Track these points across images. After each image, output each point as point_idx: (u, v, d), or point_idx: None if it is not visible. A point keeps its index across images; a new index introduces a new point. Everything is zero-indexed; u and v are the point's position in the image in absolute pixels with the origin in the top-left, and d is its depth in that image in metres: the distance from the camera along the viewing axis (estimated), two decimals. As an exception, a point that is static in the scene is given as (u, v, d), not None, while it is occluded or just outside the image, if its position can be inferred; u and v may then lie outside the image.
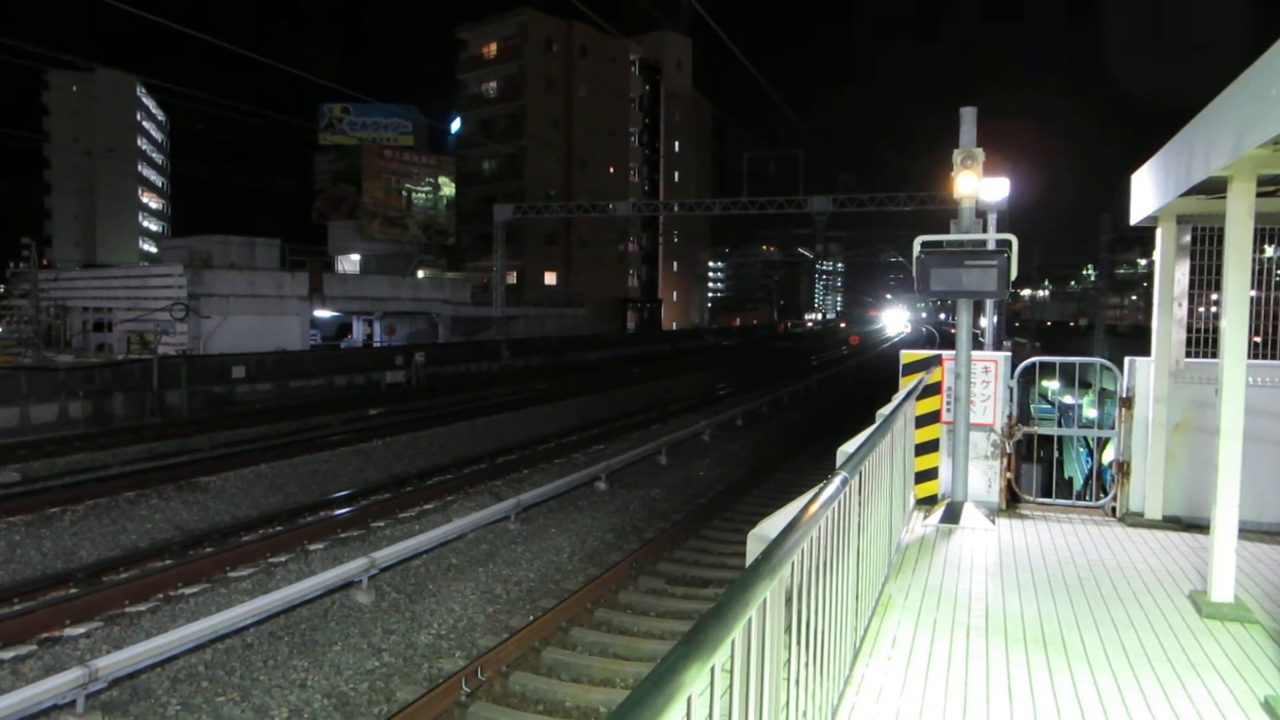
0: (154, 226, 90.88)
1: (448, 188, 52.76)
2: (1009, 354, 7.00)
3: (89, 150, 78.13)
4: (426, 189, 51.56)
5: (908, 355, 6.97)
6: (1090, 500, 7.02)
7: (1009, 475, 6.77)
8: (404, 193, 50.43)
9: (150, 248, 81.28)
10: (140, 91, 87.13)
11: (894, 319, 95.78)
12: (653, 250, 72.83)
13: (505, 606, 8.65)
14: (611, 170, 66.03)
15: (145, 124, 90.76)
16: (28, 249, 31.23)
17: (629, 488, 13.89)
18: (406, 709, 6.06)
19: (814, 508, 2.66)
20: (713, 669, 1.63)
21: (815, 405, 25.99)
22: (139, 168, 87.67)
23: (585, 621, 8.19)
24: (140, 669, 6.57)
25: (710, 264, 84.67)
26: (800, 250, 70.32)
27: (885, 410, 4.96)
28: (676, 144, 76.17)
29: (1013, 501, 6.80)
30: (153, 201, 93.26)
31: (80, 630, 7.63)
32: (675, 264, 77.91)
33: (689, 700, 1.45)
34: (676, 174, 76.09)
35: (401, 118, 53.65)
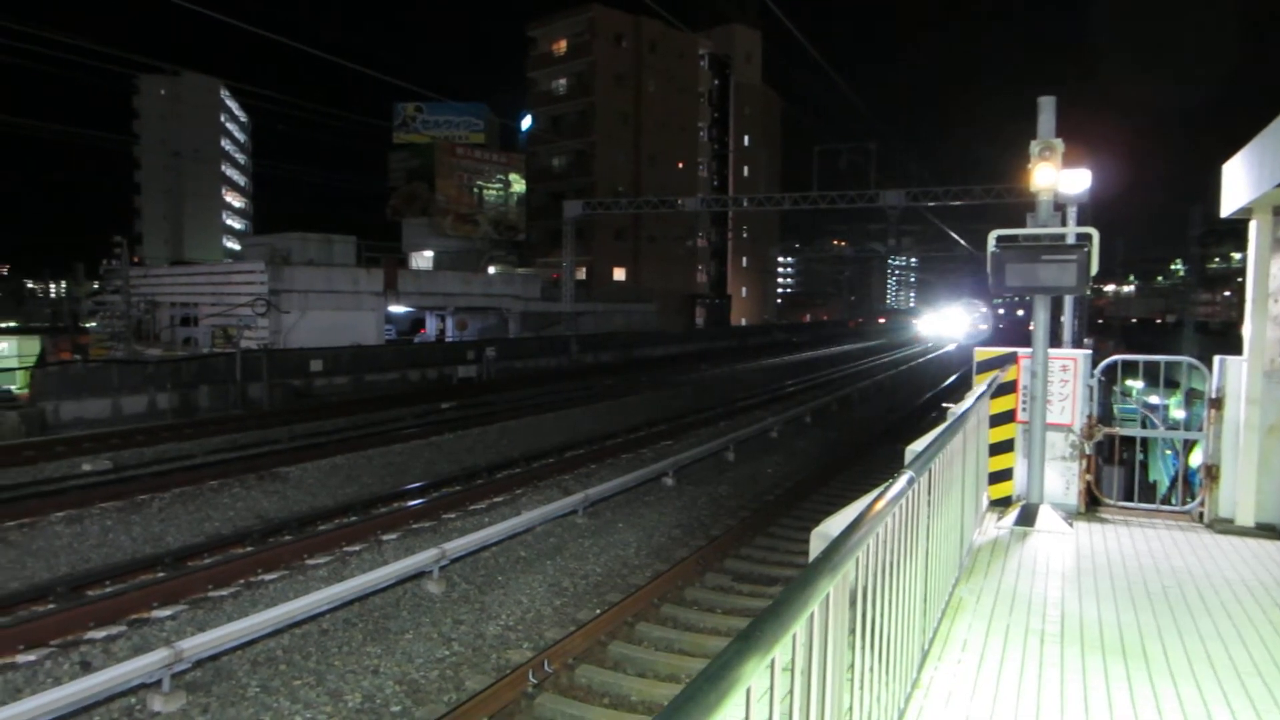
0: (237, 224, 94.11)
1: (518, 184, 53.40)
2: (1089, 352, 6.77)
3: (176, 151, 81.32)
4: (497, 186, 52.26)
5: (981, 353, 6.81)
6: (1176, 505, 6.75)
7: (1088, 477, 6.56)
8: (475, 190, 51.21)
9: (233, 245, 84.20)
10: (224, 94, 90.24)
11: (947, 320, 70.82)
12: (721, 246, 72.52)
13: (572, 599, 8.73)
14: (680, 165, 65.95)
15: (229, 125, 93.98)
16: (119, 247, 32.70)
17: (696, 484, 13.87)
18: (475, 698, 6.17)
19: (879, 505, 2.62)
20: (772, 665, 1.63)
21: (887, 403, 25.56)
22: (222, 168, 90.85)
23: (651, 617, 8.22)
24: (222, 651, 6.82)
25: (780, 259, 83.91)
26: (873, 245, 69.18)
27: (957, 408, 4.85)
28: (746, 138, 75.66)
29: (1092, 505, 6.58)
30: (235, 200, 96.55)
31: (167, 612, 7.96)
32: (744, 259, 77.44)
33: (747, 693, 1.45)
34: (746, 169, 75.58)
35: (473, 116, 54.51)
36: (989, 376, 6.21)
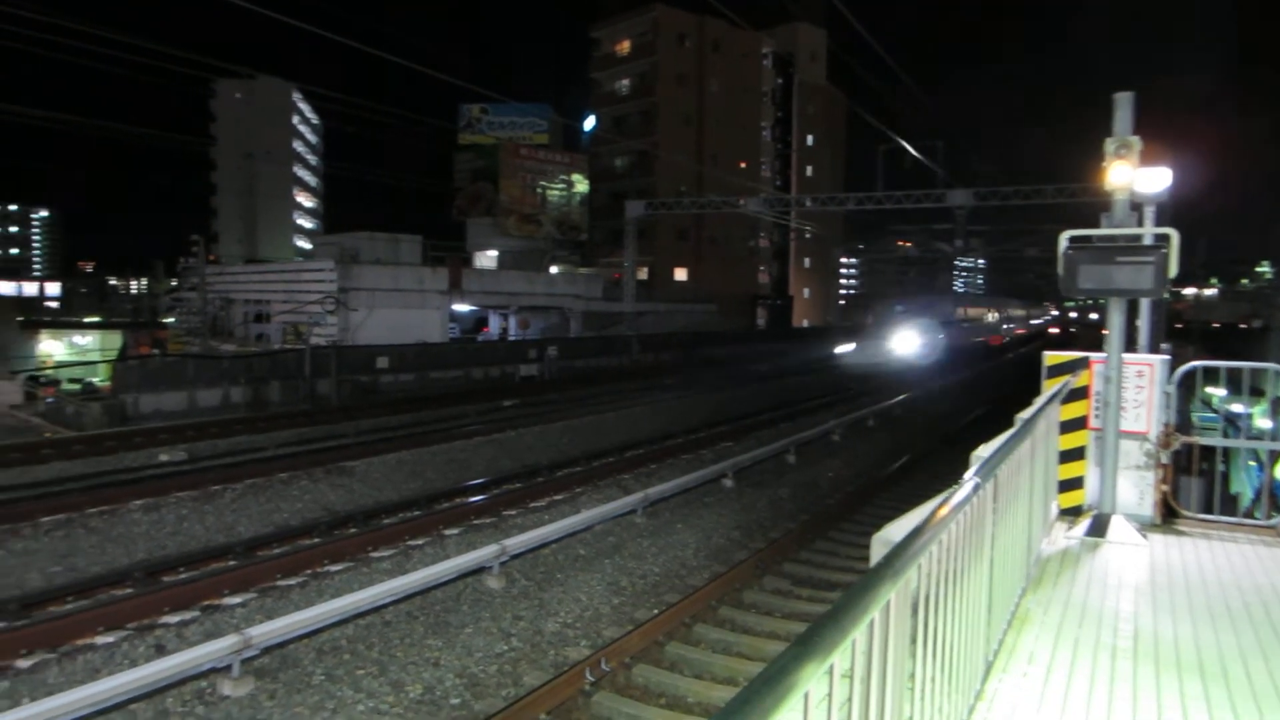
0: (308, 224, 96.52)
1: (581, 185, 53.75)
2: (1167, 357, 6.53)
3: (250, 153, 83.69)
4: (560, 186, 52.66)
5: (1052, 357, 6.62)
6: (1260, 519, 6.47)
7: (1165, 488, 6.32)
8: (539, 190, 51.69)
9: (304, 244, 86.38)
10: (296, 97, 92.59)
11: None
12: (784, 246, 71.91)
13: (630, 599, 8.74)
14: (743, 165, 65.57)
15: (301, 127, 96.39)
16: (196, 245, 33.83)
17: (756, 486, 13.78)
18: (533, 694, 6.22)
19: (943, 512, 2.57)
20: (831, 671, 1.60)
21: (953, 406, 25.04)
22: (294, 169, 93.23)
23: (709, 618, 8.19)
24: (289, 639, 7.00)
25: (843, 260, 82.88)
26: (939, 245, 67.76)
27: (1025, 414, 4.72)
28: (809, 138, 74.90)
29: (1169, 516, 6.35)
30: (307, 200, 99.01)
31: (237, 600, 8.21)
32: (807, 260, 76.68)
33: (805, 699, 1.43)
34: (809, 168, 74.83)
35: (537, 117, 55.00)
36: (1059, 381, 6.04)
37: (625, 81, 62.65)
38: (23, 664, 6.71)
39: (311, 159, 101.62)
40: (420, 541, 10.26)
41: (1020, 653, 3.82)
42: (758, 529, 11.48)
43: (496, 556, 8.86)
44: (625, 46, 62.35)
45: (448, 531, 10.69)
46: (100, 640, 7.18)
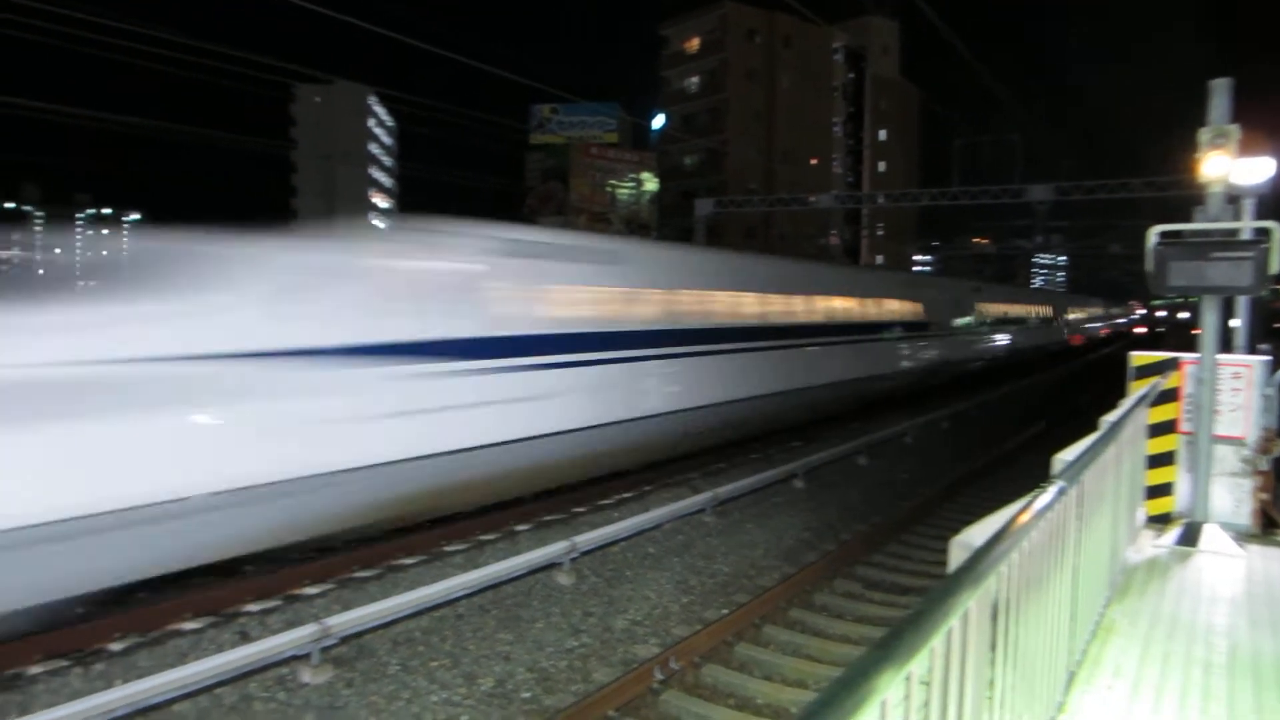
0: (383, 225, 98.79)
1: (650, 183, 53.87)
2: (1267, 358, 6.23)
3: (328, 155, 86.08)
4: (630, 185, 52.88)
5: (1139, 358, 6.38)
6: None
7: (1264, 496, 6.03)
8: (609, 189, 51.99)
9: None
10: (372, 100, 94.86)
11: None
12: (855, 244, 70.91)
13: (699, 598, 8.72)
14: (814, 162, 64.87)
15: (376, 130, 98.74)
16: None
17: (827, 487, 13.61)
18: (602, 690, 6.26)
19: (1025, 517, 2.50)
20: (909, 678, 1.57)
21: (1029, 406, 24.34)
22: (370, 170, 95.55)
23: (779, 620, 8.12)
24: (366, 630, 7.17)
25: (916, 257, 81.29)
26: (1018, 242, 65.80)
27: (1110, 417, 4.56)
28: (882, 133, 73.72)
29: (1268, 526, 6.05)
30: (382, 201, 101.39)
31: (316, 590, 8.44)
32: (879, 258, 75.49)
33: (883, 705, 1.41)
34: (881, 164, 73.65)
35: (606, 116, 55.31)
36: (1147, 384, 5.82)
37: (694, 79, 62.52)
38: (115, 647, 7.01)
39: (386, 160, 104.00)
40: (492, 536, 10.40)
41: (1105, 665, 3.69)
42: (829, 530, 11.33)
43: (567, 553, 8.93)
44: (694, 44, 62.22)
45: (518, 528, 10.82)
46: (187, 626, 7.46)
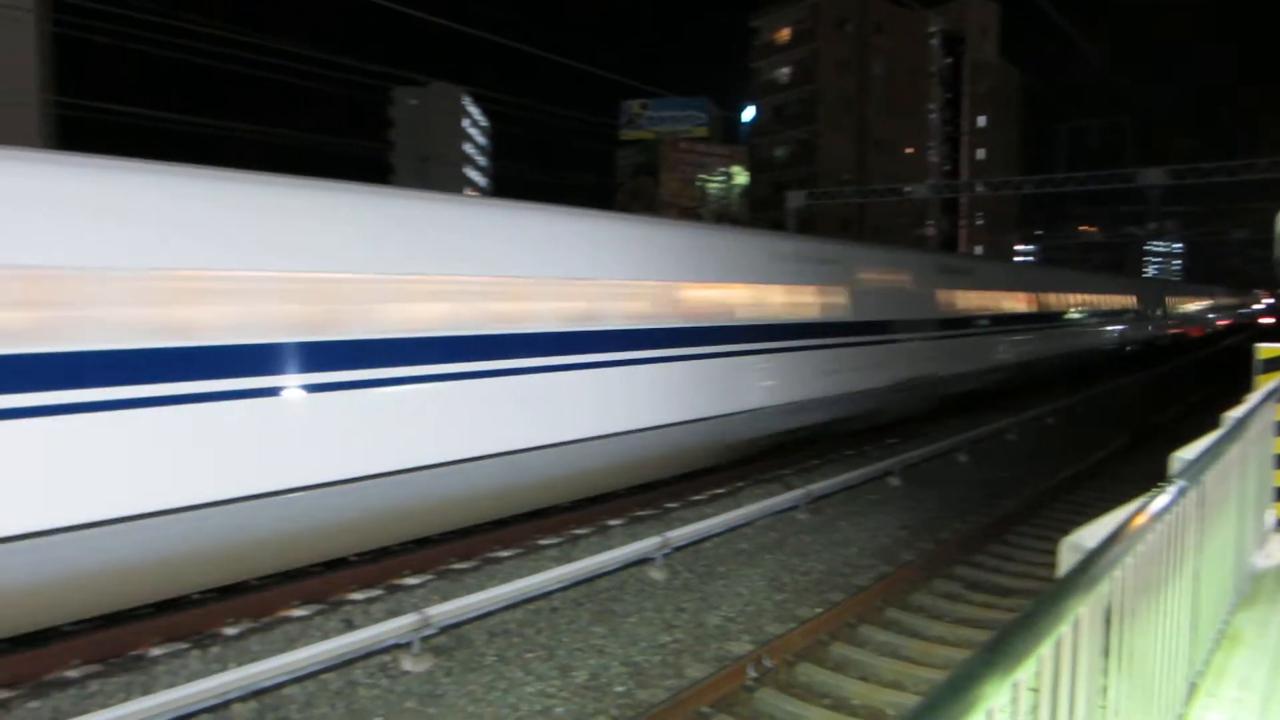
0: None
1: (740, 176, 53.54)
2: None
3: (425, 156, 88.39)
4: (720, 178, 52.68)
5: (1266, 350, 6.00)
6: None
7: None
8: (699, 183, 51.88)
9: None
10: (466, 101, 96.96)
11: None
12: (953, 234, 68.86)
13: (792, 596, 8.63)
14: (908, 151, 63.25)
15: (470, 130, 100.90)
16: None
17: (924, 484, 13.28)
18: (696, 686, 6.25)
19: (1141, 519, 2.38)
20: (1016, 685, 1.52)
21: (1139, 403, 23.22)
22: (464, 170, 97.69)
23: (875, 619, 7.96)
24: (464, 620, 7.34)
25: (1018, 247, 78.52)
26: (1129, 229, 62.66)
27: (1235, 413, 4.30)
28: (981, 119, 71.36)
29: None
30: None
31: (416, 581, 8.68)
32: (978, 248, 73.16)
33: (989, 713, 1.36)
34: (980, 151, 71.31)
35: (696, 110, 55.27)
36: (1276, 377, 5.47)
37: (785, 70, 61.75)
38: (230, 631, 7.36)
39: (480, 160, 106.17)
40: (585, 530, 10.52)
41: (1231, 675, 3.48)
42: (926, 529, 11.05)
43: (659, 548, 8.95)
44: (785, 34, 61.44)
45: (611, 522, 10.90)
46: (296, 613, 7.78)
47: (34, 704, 6.01)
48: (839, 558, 9.82)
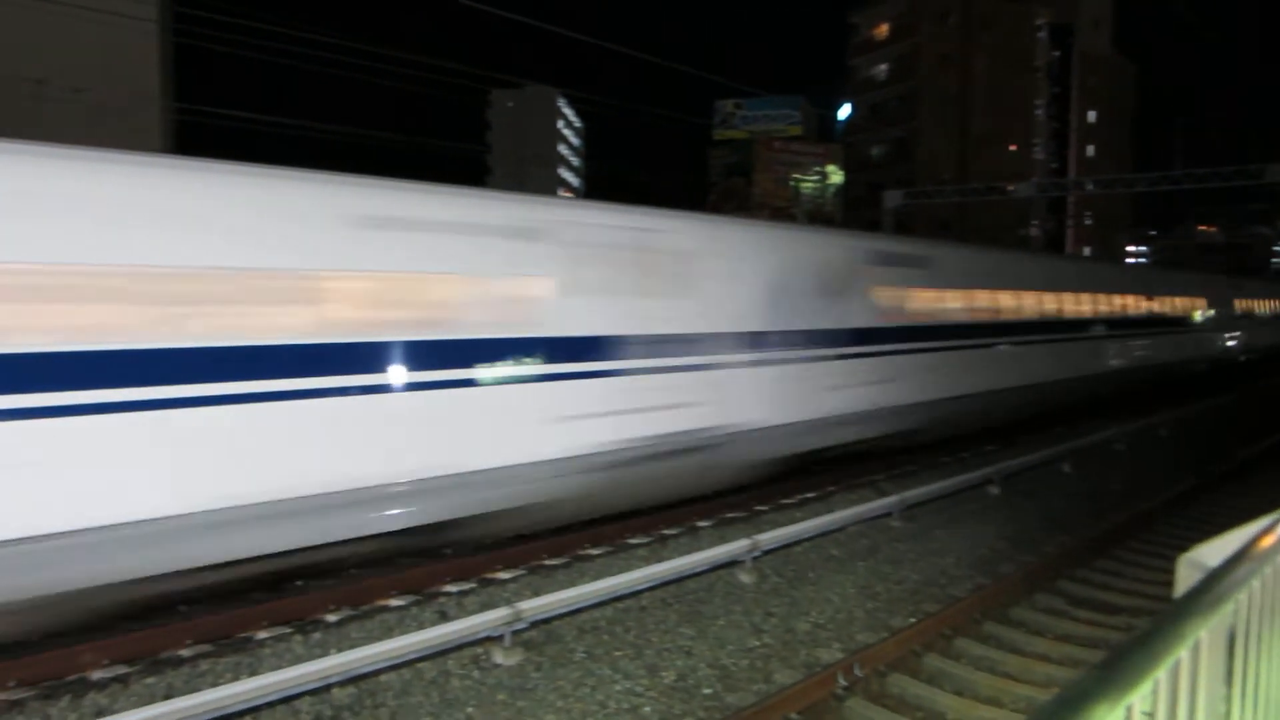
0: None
1: (835, 176, 52.76)
2: None
3: (521, 157, 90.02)
4: (814, 178, 52.03)
5: None
6: None
7: None
8: (792, 183, 51.33)
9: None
10: (561, 102, 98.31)
11: None
12: (1059, 234, 66.37)
13: (885, 604, 8.44)
14: (1012, 148, 61.18)
15: (565, 131, 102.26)
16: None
17: (1026, 495, 12.81)
18: (783, 692, 6.18)
19: (1270, 539, 2.23)
20: (1129, 709, 1.45)
21: (1263, 415, 21.86)
22: (559, 170, 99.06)
23: (971, 632, 7.71)
24: (554, 616, 7.42)
25: (1129, 248, 75.00)
26: (1256, 229, 59.02)
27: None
28: (1091, 114, 68.53)
29: None
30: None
31: (508, 575, 8.84)
32: (1086, 249, 70.22)
33: None
34: (1090, 147, 68.50)
35: (791, 109, 54.76)
36: None
37: (883, 66, 60.60)
38: (331, 618, 7.64)
39: (574, 160, 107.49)
40: (674, 531, 10.53)
41: None
42: (1027, 541, 10.65)
43: (749, 551, 8.89)
44: (884, 30, 60.31)
45: (700, 523, 10.88)
46: (393, 602, 8.02)
47: (150, 680, 6.36)
48: (934, 567, 9.56)
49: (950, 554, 10.01)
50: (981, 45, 58.90)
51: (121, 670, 6.52)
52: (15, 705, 5.93)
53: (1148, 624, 1.61)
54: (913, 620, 7.82)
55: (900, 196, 43.08)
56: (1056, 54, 65.08)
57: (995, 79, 59.49)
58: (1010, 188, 41.89)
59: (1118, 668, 1.42)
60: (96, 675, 6.40)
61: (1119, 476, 14.31)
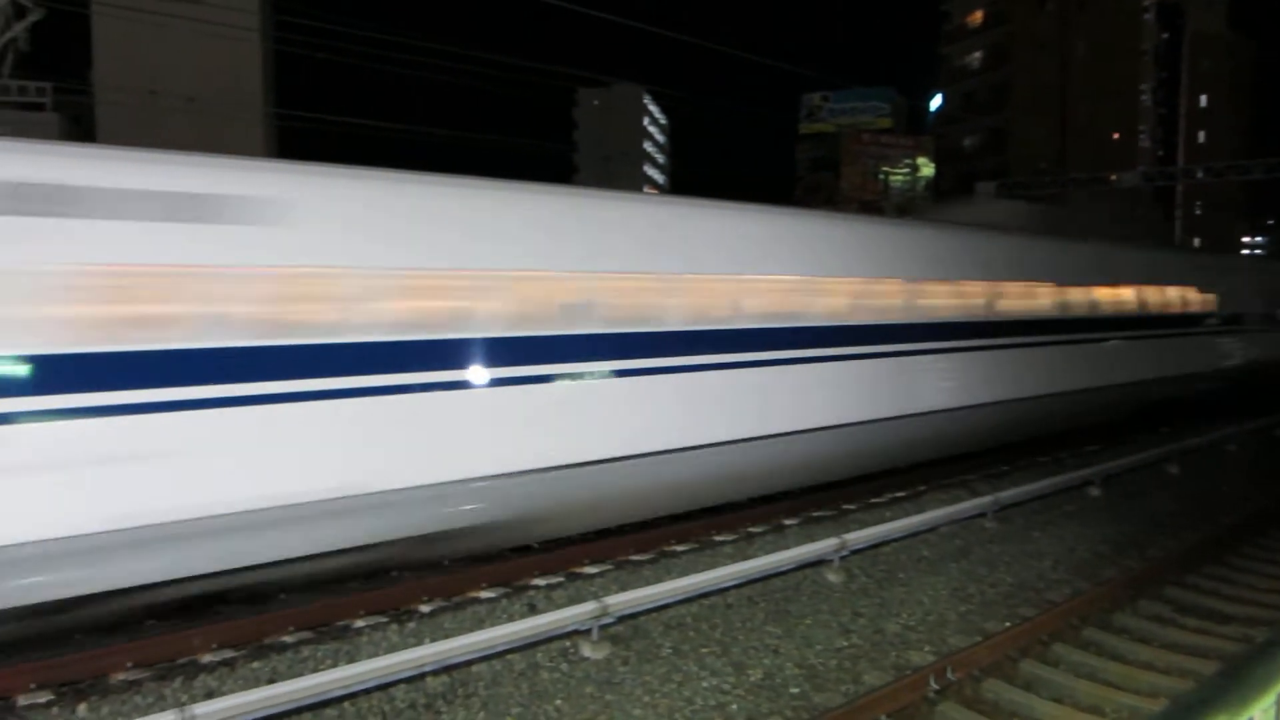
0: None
1: (926, 168, 51.58)
2: None
3: (607, 156, 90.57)
4: (904, 171, 50.94)
5: None
6: None
7: None
8: (881, 176, 50.35)
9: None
10: (646, 99, 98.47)
11: None
12: (1167, 225, 63.25)
13: (978, 608, 8.23)
14: (1115, 136, 58.60)
15: (650, 128, 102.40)
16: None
17: (1129, 496, 12.30)
18: (873, 694, 6.09)
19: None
20: (1250, 721, 1.38)
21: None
22: (644, 168, 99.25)
23: (1070, 638, 7.45)
24: (640, 611, 7.47)
25: (1246, 239, 71.09)
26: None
27: None
28: (1203, 98, 65.17)
29: None
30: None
31: (595, 570, 8.94)
32: (1196, 240, 66.80)
33: None
34: (1201, 133, 65.09)
35: (879, 100, 53.72)
36: None
37: (977, 55, 58.83)
38: (424, 609, 7.86)
39: (659, 157, 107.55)
40: (760, 529, 10.47)
41: None
42: (1131, 545, 10.23)
43: (837, 550, 8.78)
44: (977, 17, 58.53)
45: (787, 522, 10.80)
46: (484, 595, 8.20)
47: (256, 664, 6.65)
48: (1031, 570, 9.27)
49: (1047, 557, 9.69)
50: (1081, 30, 56.56)
51: (229, 654, 6.84)
52: (133, 685, 6.28)
53: (1268, 634, 1.54)
54: (1008, 624, 7.61)
55: (993, 188, 41.78)
56: (1165, 36, 62.08)
57: (1096, 64, 57.05)
58: (1113, 177, 40.14)
59: (1238, 677, 1.37)
60: (206, 659, 6.74)
61: (1231, 479, 13.61)
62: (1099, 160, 52.86)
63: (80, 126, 33.57)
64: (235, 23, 32.01)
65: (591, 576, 8.74)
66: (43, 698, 6.05)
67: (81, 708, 5.91)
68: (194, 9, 30.75)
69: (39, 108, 30.18)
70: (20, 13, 11.65)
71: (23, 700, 6.01)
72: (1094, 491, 12.26)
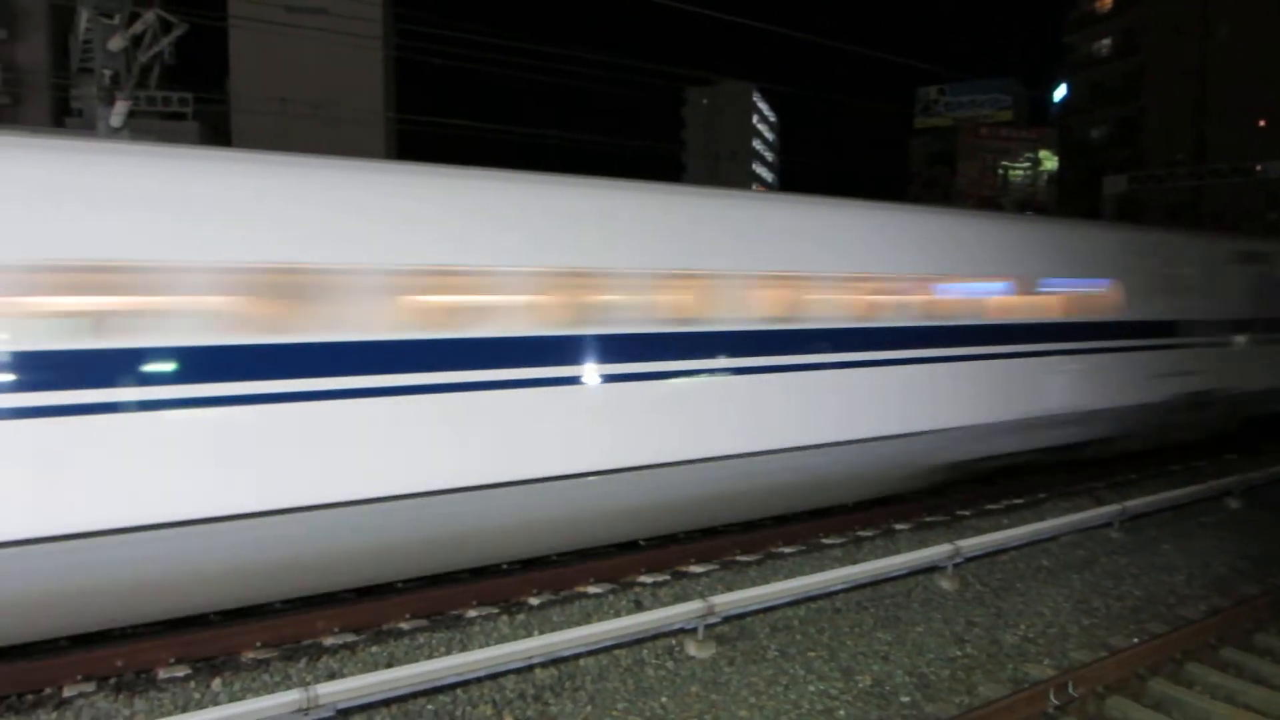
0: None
1: (1049, 161, 49.38)
2: None
3: (716, 155, 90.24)
4: (1024, 165, 48.90)
5: None
6: None
7: None
8: (1000, 170, 48.49)
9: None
10: (755, 97, 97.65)
11: None
12: (1319, 218, 58.62)
13: (1103, 621, 7.84)
14: (1262, 124, 54.63)
15: (759, 126, 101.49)
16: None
17: (1274, 509, 11.48)
18: (989, 705, 5.88)
19: None
20: None
21: None
22: (753, 166, 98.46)
23: (1206, 658, 7.01)
24: (747, 612, 7.44)
25: None
26: None
27: None
28: (1364, 79, 59.92)
29: None
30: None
31: (700, 569, 8.93)
32: (1353, 233, 61.73)
33: None
34: (1359, 119, 59.90)
35: (999, 92, 51.75)
36: None
37: (1105, 42, 55.83)
38: (534, 601, 8.02)
39: (768, 155, 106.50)
40: (870, 533, 10.26)
41: None
42: (1274, 560, 9.55)
43: (950, 557, 8.52)
44: (1106, 2, 55.58)
45: (898, 526, 10.54)
46: (591, 590, 8.31)
47: (374, 649, 6.94)
48: (1161, 584, 8.77)
49: (1179, 571, 9.15)
50: (1224, 11, 52.96)
51: (350, 638, 7.15)
52: (261, 664, 6.65)
53: None
54: (1136, 640, 7.22)
55: (1123, 182, 39.63)
56: (1317, 14, 57.44)
57: (1241, 47, 53.30)
58: (1258, 167, 37.47)
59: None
60: (329, 641, 7.07)
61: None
62: (1241, 150, 49.47)
63: (218, 134, 35.74)
64: (360, 32, 33.45)
65: (697, 576, 8.75)
66: (180, 671, 6.47)
67: (215, 682, 6.29)
68: (321, 19, 32.28)
69: (181, 117, 32.31)
70: (166, 27, 12.50)
71: (163, 674, 6.43)
72: (1233, 503, 11.50)
